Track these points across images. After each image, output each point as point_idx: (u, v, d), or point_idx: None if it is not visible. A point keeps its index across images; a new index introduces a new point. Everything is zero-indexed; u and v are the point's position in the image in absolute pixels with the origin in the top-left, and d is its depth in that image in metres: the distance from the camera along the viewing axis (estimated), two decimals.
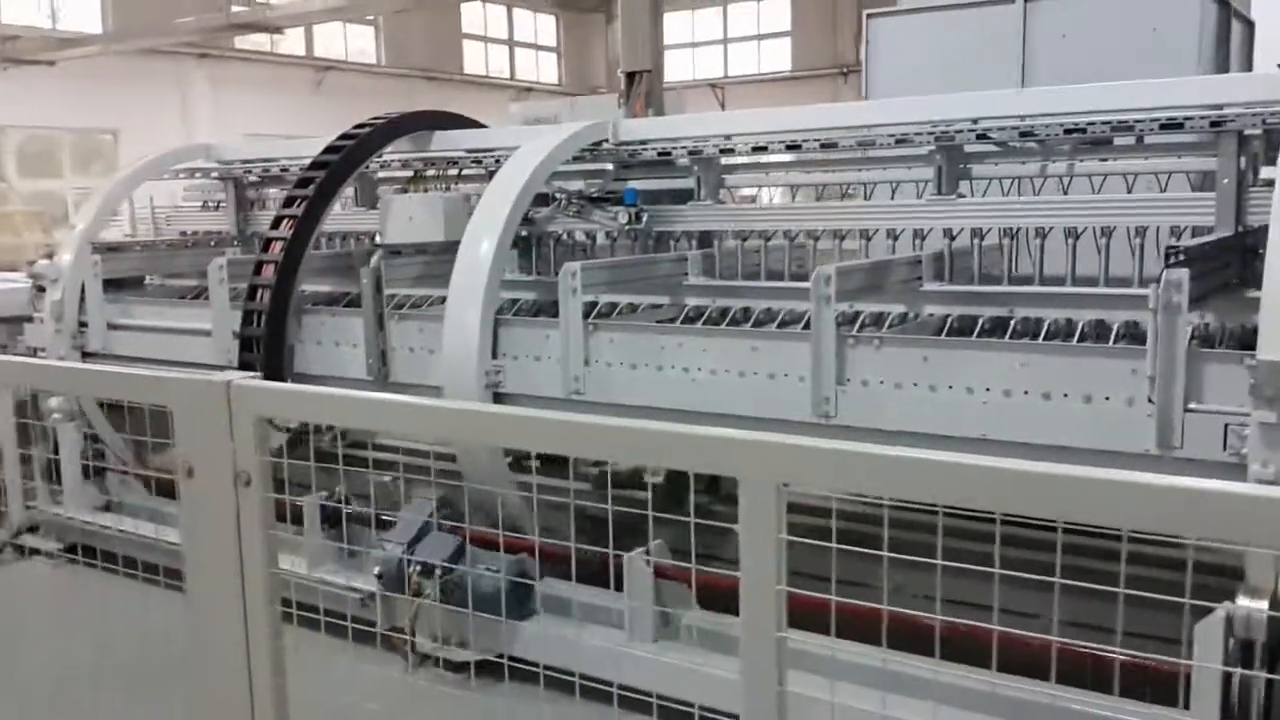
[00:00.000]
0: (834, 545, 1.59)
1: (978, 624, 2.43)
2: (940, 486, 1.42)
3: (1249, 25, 6.37)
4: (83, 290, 5.40)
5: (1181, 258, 2.88)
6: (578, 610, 3.92)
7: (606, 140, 4.72)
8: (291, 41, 24.41)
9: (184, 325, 5.05)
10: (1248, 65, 6.27)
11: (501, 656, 3.47)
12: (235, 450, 2.02)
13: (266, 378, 4.27)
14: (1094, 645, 2.64)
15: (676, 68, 29.42)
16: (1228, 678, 2.71)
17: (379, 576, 4.07)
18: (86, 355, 5.33)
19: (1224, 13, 5.73)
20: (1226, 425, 2.80)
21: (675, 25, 29.58)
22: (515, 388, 4.16)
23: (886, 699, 2.61)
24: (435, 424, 1.89)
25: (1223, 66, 5.68)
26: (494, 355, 4.17)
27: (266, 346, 4.45)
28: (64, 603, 4.77)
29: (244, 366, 4.37)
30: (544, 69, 30.45)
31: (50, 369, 3.29)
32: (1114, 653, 2.59)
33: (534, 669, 3.15)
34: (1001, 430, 3.14)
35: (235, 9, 20.12)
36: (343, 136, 5.02)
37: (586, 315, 4.07)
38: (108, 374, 2.75)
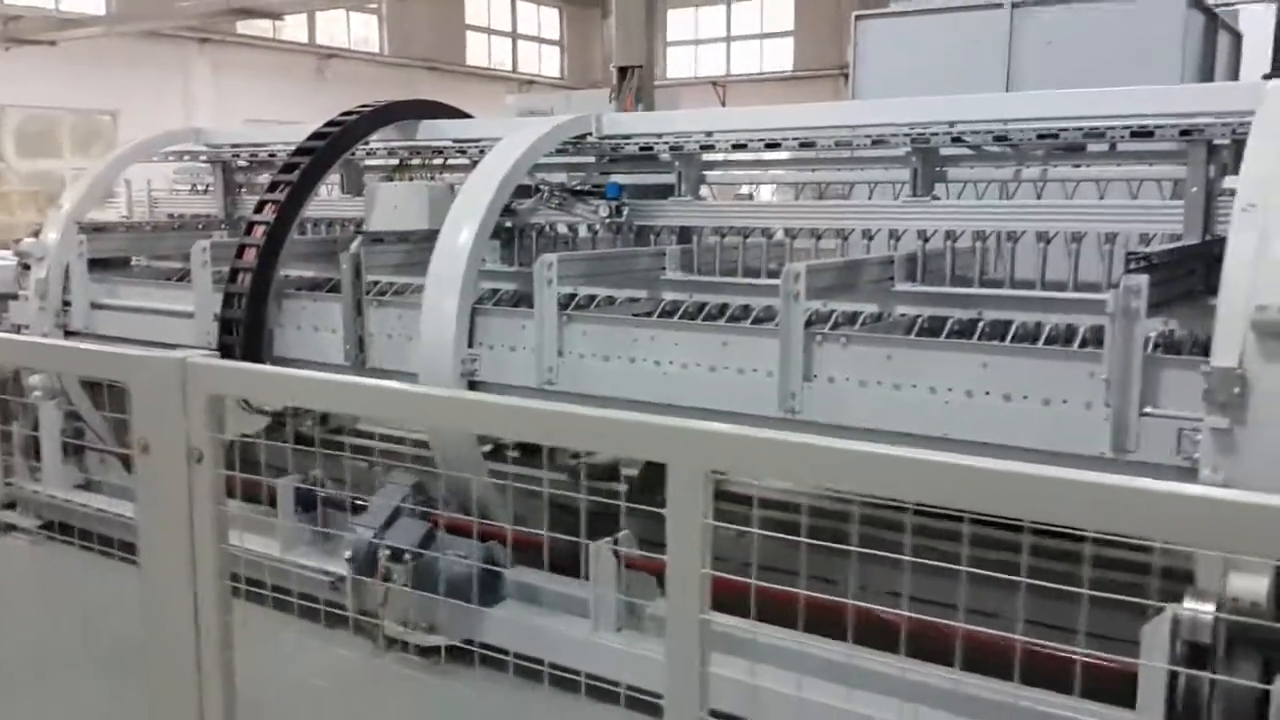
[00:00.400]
0: (756, 531, 1.62)
1: (928, 619, 2.47)
2: (864, 477, 1.45)
3: (1236, 37, 6.41)
4: (68, 270, 5.43)
5: (1143, 264, 2.91)
6: (546, 598, 3.95)
7: (590, 134, 4.74)
8: (294, 28, 24.42)
9: (167, 307, 5.08)
10: (1235, 76, 6.32)
11: (471, 643, 3.50)
12: (189, 427, 2.05)
13: (245, 359, 4.33)
14: (1044, 643, 2.69)
15: (679, 64, 29.48)
16: (1174, 679, 2.75)
17: (350, 560, 4.11)
18: (69, 334, 5.36)
19: (1210, 24, 5.77)
20: (1180, 430, 2.84)
21: (679, 22, 29.63)
22: (490, 377, 4.19)
23: (804, 683, 2.63)
24: (379, 405, 1.92)
25: (1208, 77, 5.72)
26: (471, 344, 4.21)
27: (246, 329, 4.48)
28: (39, 579, 4.80)
29: (223, 349, 4.41)
30: (546, 62, 30.47)
31: (11, 343, 3.32)
32: (1063, 651, 2.63)
33: (500, 656, 3.18)
34: (962, 430, 3.17)
35: None
36: (329, 123, 5.04)
37: (564, 307, 4.11)
38: (67, 349, 2.78)
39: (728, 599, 1.73)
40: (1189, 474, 2.78)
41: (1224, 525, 1.51)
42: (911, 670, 2.60)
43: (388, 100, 5.31)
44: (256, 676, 3.86)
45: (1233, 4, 5.99)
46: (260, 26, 22.84)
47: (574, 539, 3.73)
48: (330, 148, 4.88)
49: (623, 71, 6.89)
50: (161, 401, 2.08)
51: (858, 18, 6.15)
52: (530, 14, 29.98)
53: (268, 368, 2.01)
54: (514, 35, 29.59)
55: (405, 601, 4.01)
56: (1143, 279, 2.81)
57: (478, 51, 28.57)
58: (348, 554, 4.11)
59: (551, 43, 30.60)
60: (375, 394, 1.87)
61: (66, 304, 5.44)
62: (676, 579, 1.52)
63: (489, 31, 28.86)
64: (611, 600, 3.65)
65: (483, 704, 3.60)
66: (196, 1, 16.50)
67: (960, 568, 1.92)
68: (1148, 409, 2.88)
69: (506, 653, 3.13)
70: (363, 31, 26.42)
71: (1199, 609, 2.73)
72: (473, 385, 4.15)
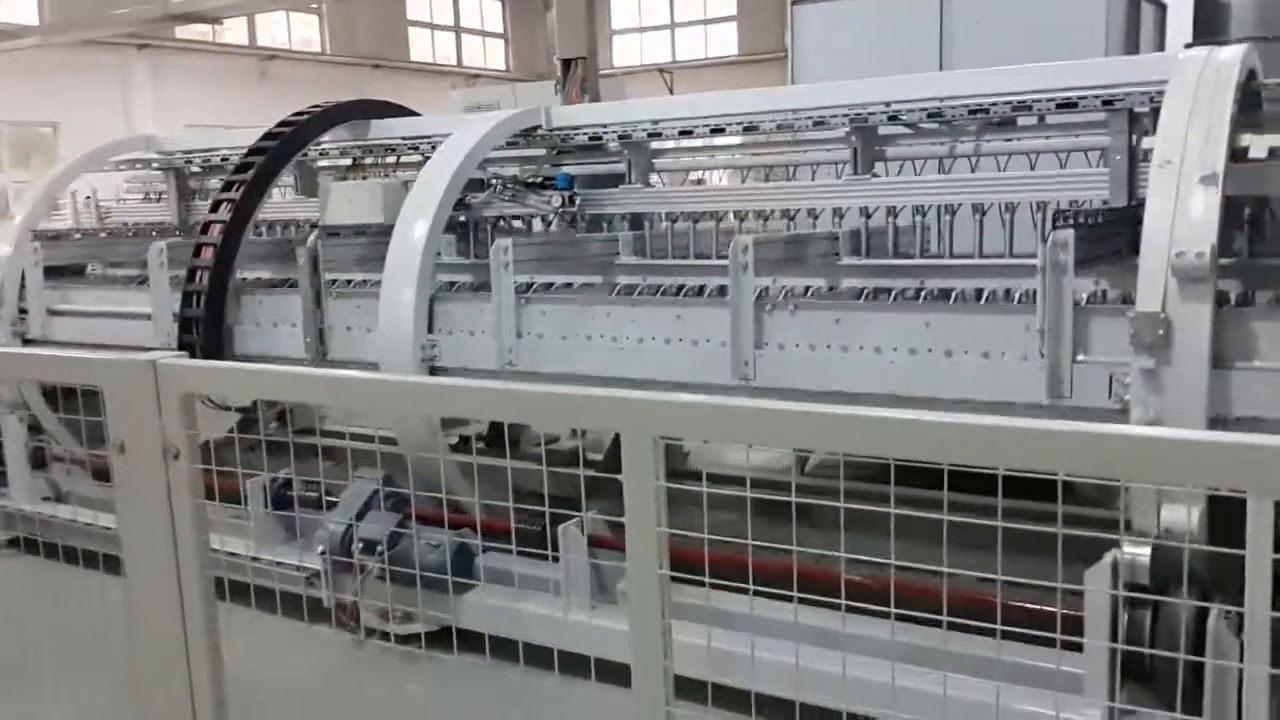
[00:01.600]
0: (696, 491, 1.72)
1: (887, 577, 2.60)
2: (803, 436, 1.57)
3: (1161, 8, 6.62)
4: (23, 278, 5.43)
5: (1070, 222, 3.08)
6: (518, 581, 4.05)
7: (540, 126, 4.84)
8: (234, 31, 24.15)
9: (124, 309, 5.10)
10: (1160, 46, 6.53)
11: (451, 628, 3.58)
12: (163, 426, 2.14)
13: (206, 358, 4.38)
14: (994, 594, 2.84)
15: (625, 53, 29.51)
16: (1116, 620, 2.91)
17: (323, 554, 4.19)
18: (27, 342, 5.37)
19: None
20: (1111, 375, 3.00)
21: (623, 10, 29.64)
22: (451, 362, 4.28)
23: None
24: (347, 394, 2.00)
25: (1133, 48, 5.92)
26: (430, 331, 4.29)
27: (205, 327, 4.53)
28: (13, 591, 4.82)
29: (183, 347, 4.45)
30: (492, 55, 30.36)
31: None
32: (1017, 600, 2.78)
33: (478, 638, 3.27)
34: (909, 387, 3.32)
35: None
36: (281, 124, 5.09)
37: (520, 293, 4.20)
38: (39, 357, 2.84)
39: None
40: (1121, 415, 2.95)
41: (1152, 460, 1.65)
42: (864, 626, 2.72)
43: (336, 101, 5.37)
44: (239, 673, 3.95)
45: None
46: (200, 30, 22.54)
47: (543, 522, 3.88)
48: (283, 146, 4.93)
49: (566, 63, 6.96)
50: (135, 402, 2.15)
51: (794, 3, 6.28)
52: (473, 7, 29.85)
53: (236, 364, 2.08)
54: (457, 29, 29.45)
55: (380, 592, 4.09)
56: (1069, 233, 2.97)
57: (421, 47, 28.42)
58: (321, 548, 4.19)
59: (496, 36, 30.49)
60: (342, 384, 1.96)
61: (23, 312, 5.44)
62: (636, 539, 1.64)
63: (432, 26, 28.71)
64: (582, 578, 3.77)
65: (462, 688, 3.70)
66: (132, 9, 16.28)
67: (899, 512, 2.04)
68: (1080, 356, 3.04)
69: (478, 634, 3.23)
70: (304, 32, 26.18)
71: (1137, 552, 2.89)
72: (434, 371, 4.24)
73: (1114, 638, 2.92)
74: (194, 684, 2.22)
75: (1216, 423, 2.84)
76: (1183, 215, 2.85)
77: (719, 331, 3.63)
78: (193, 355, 4.32)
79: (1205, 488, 2.62)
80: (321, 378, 2.00)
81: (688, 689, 1.83)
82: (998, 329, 3.19)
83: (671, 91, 27.36)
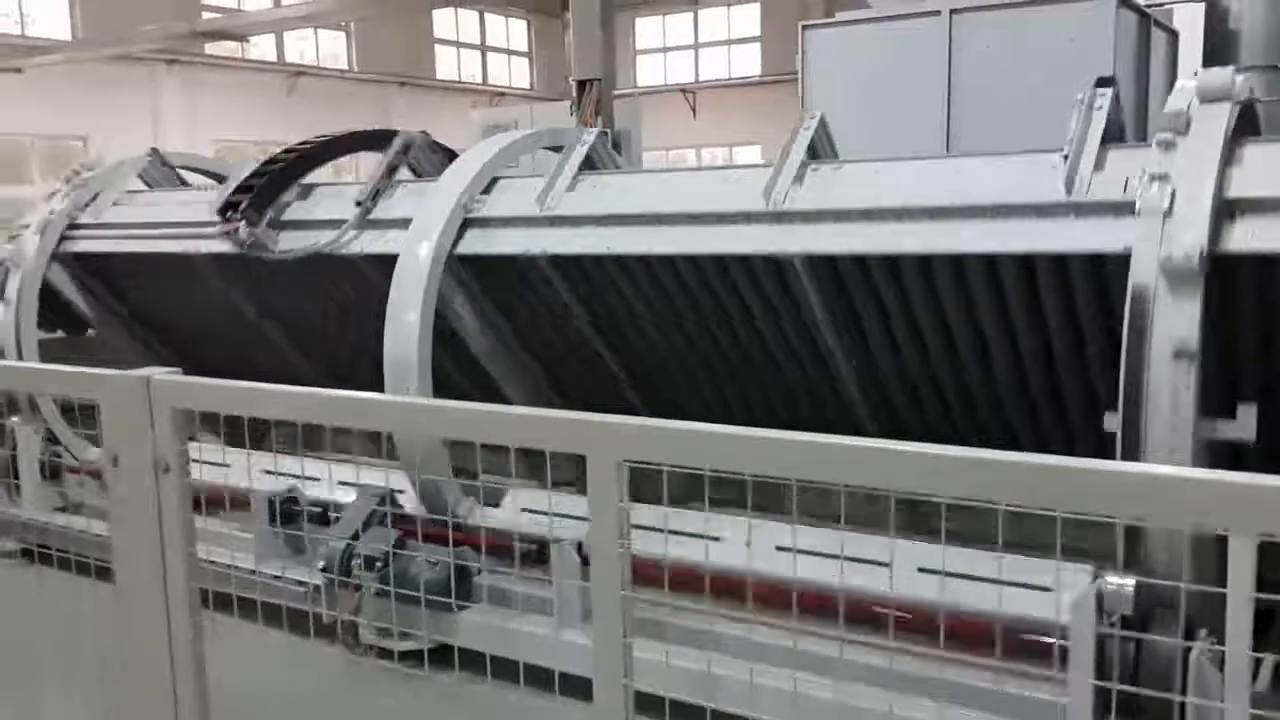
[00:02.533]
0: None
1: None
2: (764, 461, 1.61)
3: (1173, 35, 6.63)
4: None
5: None
6: (515, 599, 4.08)
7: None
8: (263, 47, 24.50)
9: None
10: (1172, 72, 6.54)
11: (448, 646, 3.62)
12: (155, 440, 2.19)
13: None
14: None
15: (649, 73, 29.70)
16: (1101, 648, 2.92)
17: (323, 570, 4.23)
18: None
19: (1144, 23, 5.98)
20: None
21: (647, 30, 29.85)
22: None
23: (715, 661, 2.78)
24: (338, 413, 2.05)
25: (1143, 75, 5.93)
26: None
27: None
28: (19, 601, 4.90)
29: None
30: (517, 74, 30.63)
31: None
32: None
33: (477, 657, 3.30)
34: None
35: (207, 15, 20.23)
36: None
37: None
38: (40, 371, 2.91)
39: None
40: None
41: (1136, 498, 1.67)
42: (840, 644, 2.75)
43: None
44: (239, 687, 4.00)
45: (1165, 3, 6.21)
46: (229, 47, 22.90)
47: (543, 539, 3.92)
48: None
49: (581, 85, 7.04)
50: (129, 417, 2.21)
51: (804, 27, 6.33)
52: (499, 26, 30.14)
53: (227, 382, 2.14)
54: (483, 48, 29.74)
55: (379, 608, 4.14)
56: None
57: (447, 65, 28.71)
58: (321, 564, 4.24)
59: (521, 54, 30.76)
60: (337, 404, 2.01)
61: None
62: (599, 559, 1.67)
63: (458, 45, 29.00)
64: (574, 597, 3.79)
65: (458, 705, 3.73)
66: (161, 26, 16.57)
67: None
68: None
69: (475, 653, 3.26)
70: (332, 47, 26.52)
71: (1121, 582, 2.90)
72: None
73: (1099, 666, 2.93)
74: (178, 694, 2.27)
75: None
76: None
77: None
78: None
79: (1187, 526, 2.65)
80: (317, 397, 2.06)
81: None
82: None
83: (694, 112, 27.53)
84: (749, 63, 28.12)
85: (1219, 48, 5.85)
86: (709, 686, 2.86)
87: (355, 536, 4.23)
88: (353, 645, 4.22)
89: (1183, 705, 2.73)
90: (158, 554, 2.24)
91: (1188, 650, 2.77)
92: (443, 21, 28.28)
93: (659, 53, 29.72)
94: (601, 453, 1.64)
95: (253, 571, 4.47)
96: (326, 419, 2.06)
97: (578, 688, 2.14)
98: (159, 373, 2.23)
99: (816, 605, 2.90)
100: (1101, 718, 2.99)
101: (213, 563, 3.73)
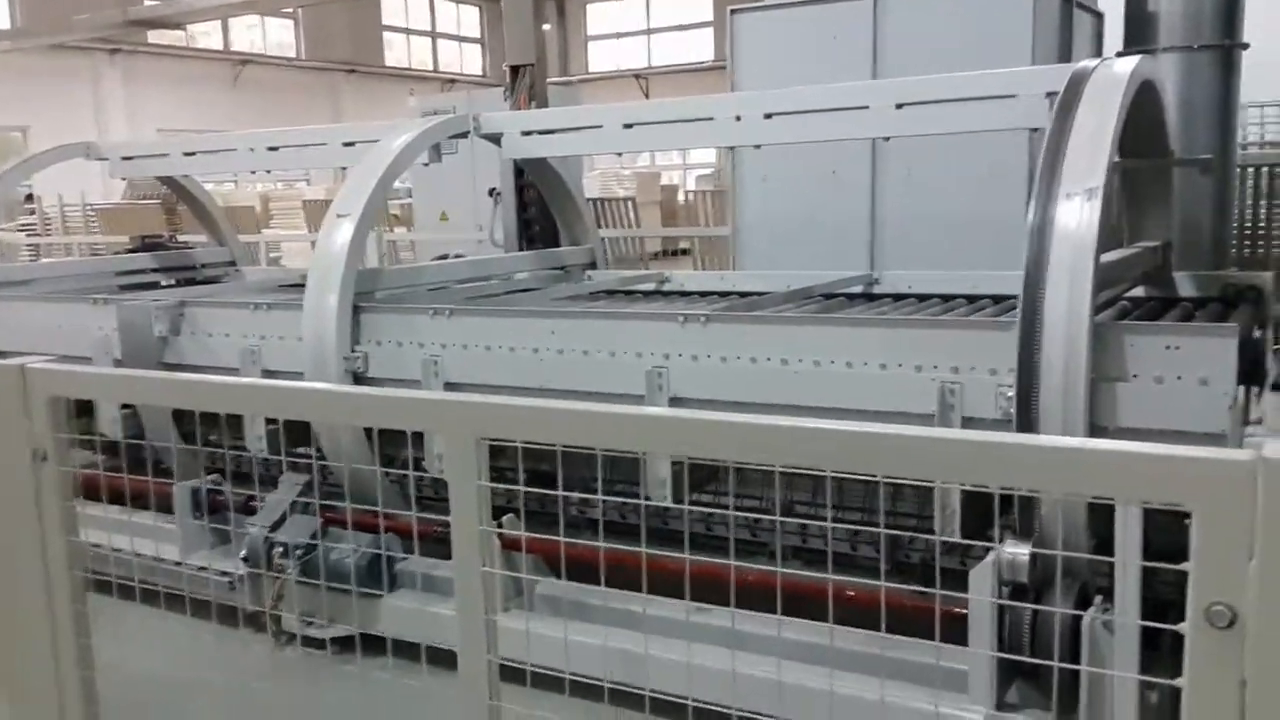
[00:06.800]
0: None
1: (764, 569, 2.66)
2: (623, 437, 1.62)
3: (1097, 16, 6.72)
4: None
5: None
6: (438, 584, 4.08)
7: (469, 132, 4.88)
8: (208, 36, 24.15)
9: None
10: (1098, 54, 6.62)
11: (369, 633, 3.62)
12: (31, 429, 2.17)
13: None
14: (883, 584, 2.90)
15: (601, 58, 29.63)
16: (1000, 616, 2.98)
17: (245, 559, 4.21)
18: None
19: (1066, 6, 6.05)
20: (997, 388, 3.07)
21: (600, 16, 29.76)
22: (380, 372, 4.31)
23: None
24: (219, 401, 2.04)
25: (1065, 56, 6.00)
26: (358, 341, 4.32)
27: None
28: None
29: None
30: (469, 60, 30.43)
31: None
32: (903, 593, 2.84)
33: (402, 642, 3.31)
34: (812, 397, 3.38)
35: (148, 1, 19.85)
36: None
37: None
38: None
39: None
40: (1007, 425, 3.01)
41: (1033, 468, 1.71)
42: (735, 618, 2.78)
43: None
44: (159, 679, 3.97)
45: None
46: (173, 35, 22.58)
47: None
48: None
49: (514, 70, 7.01)
50: (3, 406, 2.19)
51: (733, 12, 6.36)
52: (449, 12, 29.91)
53: (104, 370, 2.12)
54: (433, 34, 29.51)
55: (301, 595, 4.13)
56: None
57: (398, 52, 28.47)
58: (243, 553, 4.22)
59: (473, 41, 30.56)
60: (207, 389, 2.00)
61: None
62: (460, 537, 1.68)
63: (408, 31, 28.75)
64: (495, 581, 3.79)
65: (377, 690, 3.73)
66: (94, 15, 16.26)
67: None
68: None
69: (405, 640, 3.26)
70: (279, 36, 26.20)
71: (1017, 551, 2.95)
72: (359, 380, 4.27)
73: (998, 634, 2.98)
74: (62, 685, 2.25)
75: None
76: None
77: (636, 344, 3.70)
78: None
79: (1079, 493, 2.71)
80: (189, 382, 2.04)
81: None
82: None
83: (647, 95, 27.52)
84: (702, 47, 28.14)
85: (1138, 30, 5.93)
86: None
87: (277, 526, 4.22)
88: (276, 634, 4.21)
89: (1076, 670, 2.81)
90: (36, 542, 2.22)
91: (1079, 617, 2.83)
92: (392, 8, 28.03)
93: (612, 38, 29.63)
94: (459, 431, 1.64)
95: (177, 563, 4.47)
96: (198, 405, 2.05)
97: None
98: (34, 360, 2.20)
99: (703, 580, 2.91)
100: (1004, 683, 3.07)
101: (139, 555, 3.71)
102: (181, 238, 8.11)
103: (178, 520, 4.56)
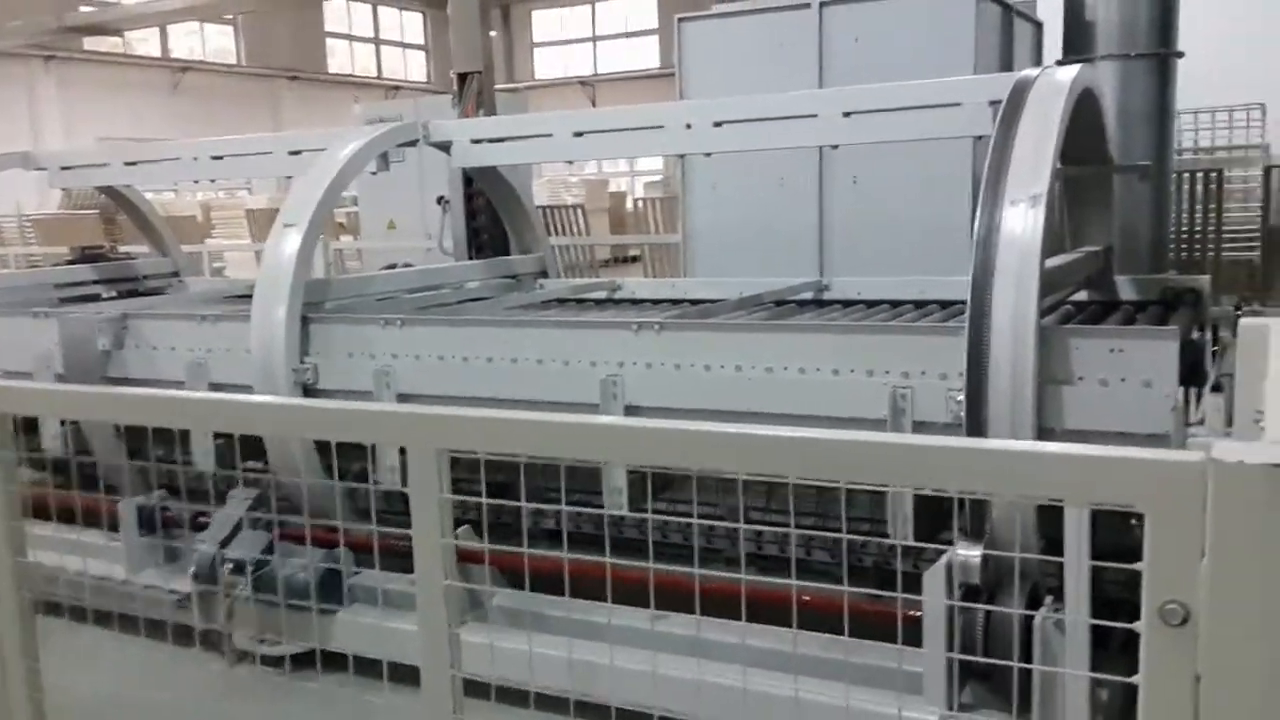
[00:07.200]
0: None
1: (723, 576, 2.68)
2: (579, 446, 1.63)
3: (1037, 25, 6.86)
4: None
5: None
6: (391, 598, 4.04)
7: (418, 140, 4.85)
8: (147, 43, 23.74)
9: None
10: (1037, 62, 6.76)
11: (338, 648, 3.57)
12: None
13: None
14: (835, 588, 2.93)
15: (548, 65, 29.59)
16: (953, 617, 3.02)
17: (195, 577, 4.14)
18: None
19: (1006, 14, 6.17)
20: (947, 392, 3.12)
21: (545, 23, 29.73)
22: (330, 384, 4.26)
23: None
24: (130, 411, 2.00)
25: (1007, 65, 6.13)
26: (307, 353, 4.27)
27: None
28: None
29: None
30: (413, 67, 30.22)
31: None
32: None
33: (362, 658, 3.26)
34: (765, 403, 3.41)
35: (84, 9, 19.47)
36: None
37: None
38: None
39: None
40: (958, 428, 3.06)
41: (988, 472, 1.74)
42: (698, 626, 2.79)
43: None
44: (111, 700, 3.88)
45: None
46: (111, 42, 22.14)
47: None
48: None
49: (462, 78, 6.98)
50: None
51: (680, 20, 6.40)
52: (393, 19, 29.69)
53: (47, 385, 2.07)
54: (377, 41, 29.27)
55: (252, 613, 4.06)
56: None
57: (342, 59, 28.19)
58: (192, 570, 4.14)
59: (417, 48, 30.36)
60: (130, 402, 1.96)
61: None
62: (422, 550, 1.67)
63: (351, 38, 28.49)
64: (457, 594, 3.76)
65: (339, 708, 3.68)
66: (27, 20, 15.90)
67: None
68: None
69: (366, 656, 3.23)
70: (220, 42, 25.81)
71: (969, 553, 3.00)
72: (309, 392, 4.22)
73: (952, 636, 3.02)
74: (10, 709, 2.19)
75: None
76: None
77: (589, 352, 3.70)
78: None
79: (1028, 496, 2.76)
80: (111, 396, 2.00)
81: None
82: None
83: (594, 103, 27.54)
84: (648, 54, 28.24)
85: (1077, 38, 6.06)
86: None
87: (228, 541, 4.15)
88: (229, 653, 4.14)
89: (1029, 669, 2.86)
90: None
91: (1030, 618, 2.88)
92: (335, 14, 27.75)
93: (558, 45, 29.61)
94: (420, 443, 1.63)
95: (124, 582, 4.38)
96: (152, 421, 2.01)
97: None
98: None
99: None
100: (960, 683, 3.11)
101: (87, 575, 3.63)
102: (123, 248, 7.92)
103: (124, 537, 4.47)
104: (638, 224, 16.57)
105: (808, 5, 5.93)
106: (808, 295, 4.91)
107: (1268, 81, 9.55)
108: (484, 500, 1.80)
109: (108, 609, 3.52)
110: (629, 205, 19.23)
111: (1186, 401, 3.32)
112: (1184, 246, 9.64)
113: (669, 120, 4.46)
